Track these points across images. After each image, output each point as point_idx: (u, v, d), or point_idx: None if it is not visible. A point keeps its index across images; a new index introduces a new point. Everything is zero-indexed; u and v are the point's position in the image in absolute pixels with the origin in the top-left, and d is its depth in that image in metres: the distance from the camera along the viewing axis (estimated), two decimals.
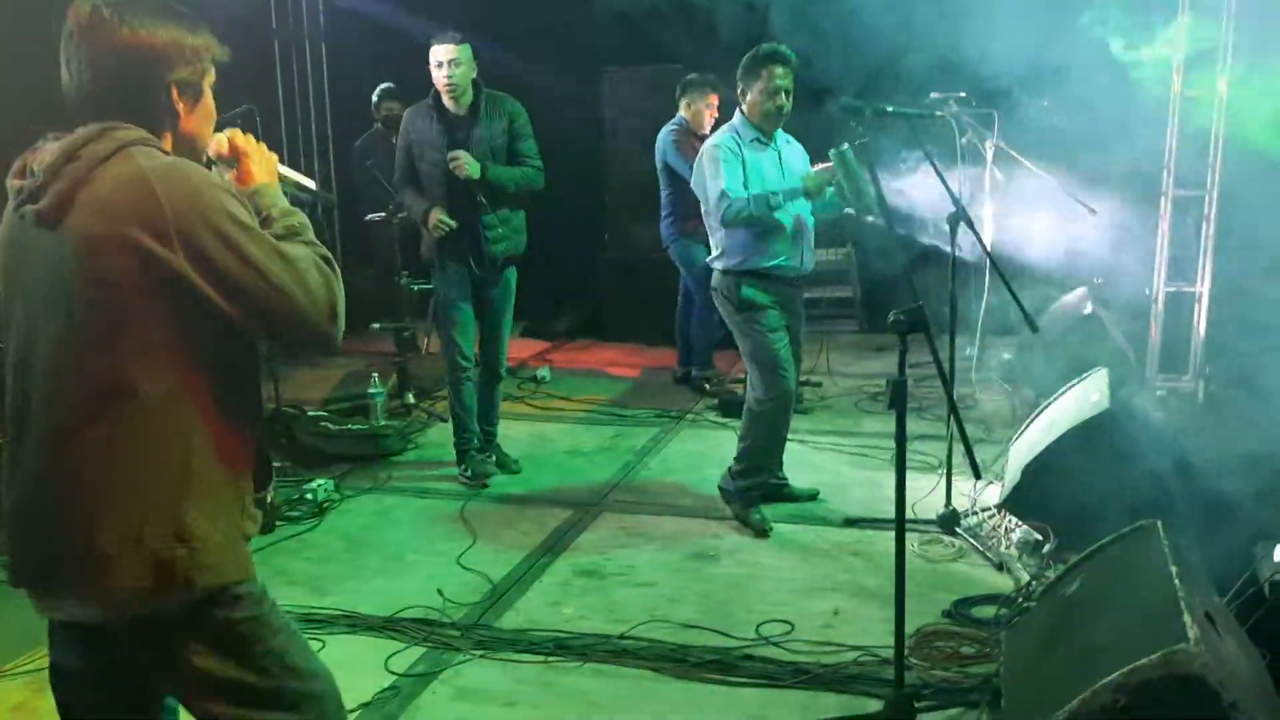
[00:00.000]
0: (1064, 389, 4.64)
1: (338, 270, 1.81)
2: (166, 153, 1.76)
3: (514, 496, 4.87)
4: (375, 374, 5.90)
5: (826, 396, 6.45)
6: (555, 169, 8.00)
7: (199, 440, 1.73)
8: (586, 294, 8.29)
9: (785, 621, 3.59)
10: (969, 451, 2.84)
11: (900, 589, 2.89)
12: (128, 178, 1.66)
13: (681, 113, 6.18)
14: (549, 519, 4.59)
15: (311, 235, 1.85)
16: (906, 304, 2.81)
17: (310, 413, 5.65)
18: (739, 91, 4.35)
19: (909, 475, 4.79)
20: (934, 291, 3.86)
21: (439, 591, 3.82)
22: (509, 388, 6.68)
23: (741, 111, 4.36)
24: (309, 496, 4.67)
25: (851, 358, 7.34)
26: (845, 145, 4.07)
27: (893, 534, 2.90)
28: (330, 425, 5.43)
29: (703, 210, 4.43)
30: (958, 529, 4.24)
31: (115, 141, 1.70)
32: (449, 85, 4.61)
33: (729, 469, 4.55)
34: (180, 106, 1.80)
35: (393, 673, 3.31)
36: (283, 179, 2.01)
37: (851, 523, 4.44)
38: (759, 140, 4.33)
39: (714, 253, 4.42)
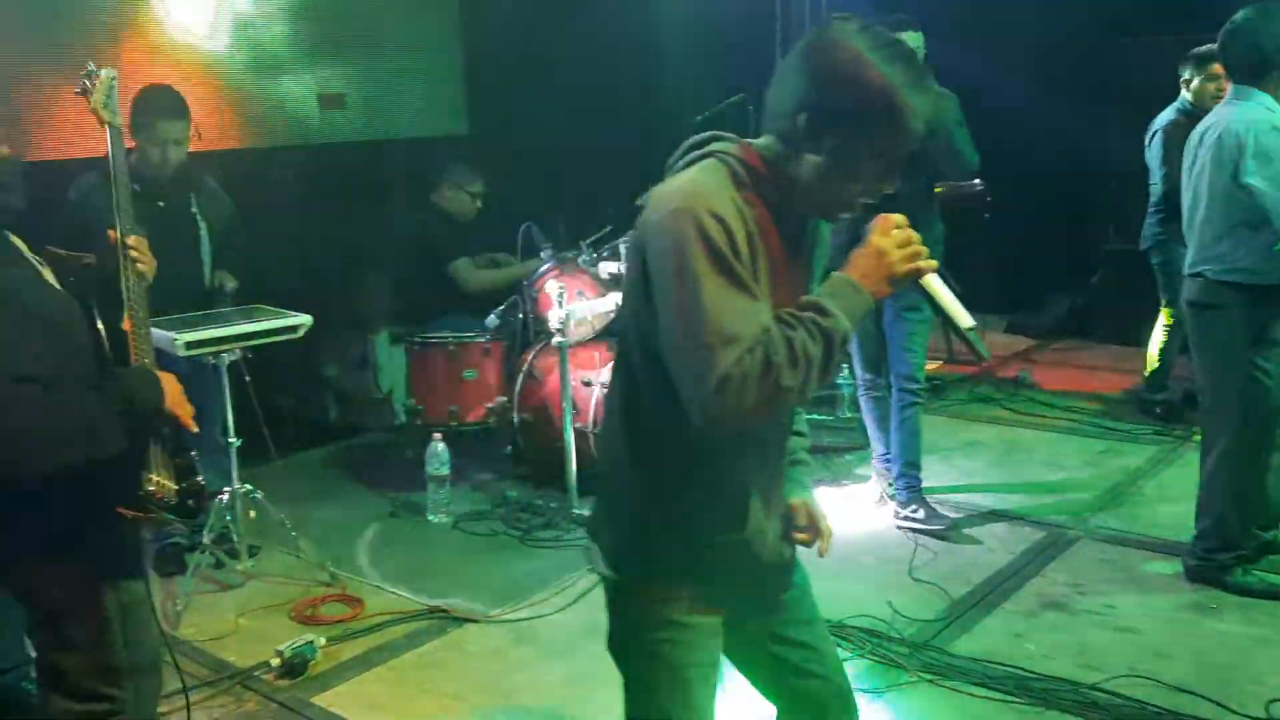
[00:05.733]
0: None
1: (782, 391, 1.56)
2: (744, 172, 1.67)
3: (980, 509, 4.50)
4: (845, 365, 5.77)
5: None
6: (1051, 150, 7.40)
7: None
8: (1077, 288, 7.54)
9: None
10: None
11: None
12: (669, 185, 1.68)
13: (1184, 93, 5.22)
14: (1017, 539, 4.19)
15: (799, 368, 1.58)
16: None
17: None
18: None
19: None
20: None
21: (889, 603, 3.63)
22: (986, 390, 6.23)
23: (1269, 88, 3.44)
24: None
25: None
26: None
27: None
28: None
29: (1226, 206, 3.48)
30: None
31: (701, 152, 1.72)
32: None
33: (1194, 541, 3.77)
34: (803, 140, 1.65)
35: None
36: (932, 301, 1.71)
37: None
38: None
39: (1217, 258, 3.50)
